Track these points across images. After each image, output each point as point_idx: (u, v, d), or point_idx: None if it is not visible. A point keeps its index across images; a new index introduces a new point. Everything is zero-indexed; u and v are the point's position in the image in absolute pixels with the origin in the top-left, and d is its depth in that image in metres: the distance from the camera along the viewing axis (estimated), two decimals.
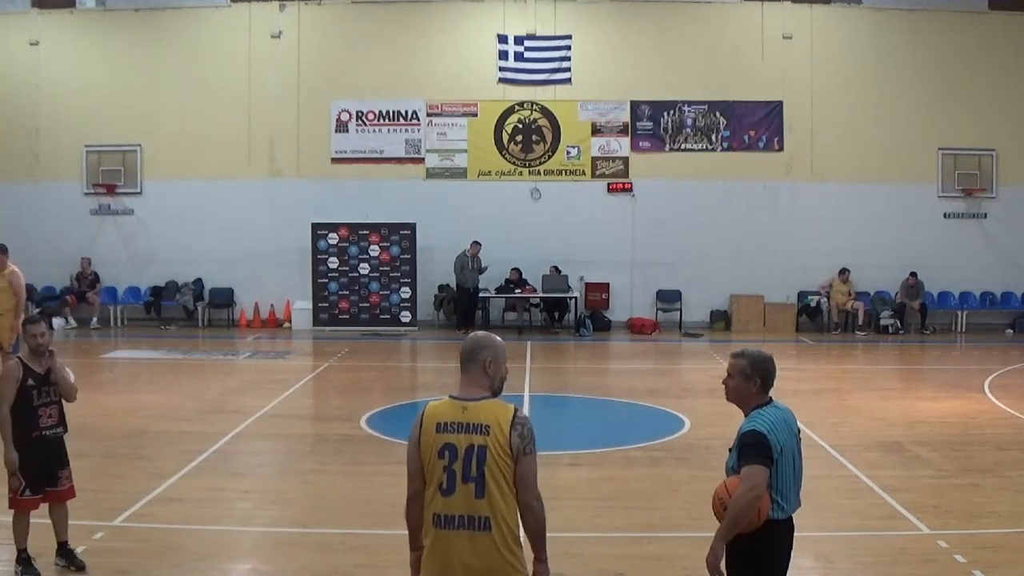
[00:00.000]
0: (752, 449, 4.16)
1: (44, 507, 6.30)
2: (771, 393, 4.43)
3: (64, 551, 6.32)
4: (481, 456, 3.80)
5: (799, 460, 4.37)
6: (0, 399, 6.14)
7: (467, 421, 3.85)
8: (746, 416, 4.35)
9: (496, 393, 3.98)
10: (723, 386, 4.47)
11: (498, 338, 4.08)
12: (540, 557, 3.97)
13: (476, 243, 20.21)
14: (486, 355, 3.97)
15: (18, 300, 11.50)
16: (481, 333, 4.11)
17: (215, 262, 21.35)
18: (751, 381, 4.34)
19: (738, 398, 4.41)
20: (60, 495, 6.32)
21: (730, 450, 4.38)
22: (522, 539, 3.94)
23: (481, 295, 20.57)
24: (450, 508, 3.82)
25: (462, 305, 20.47)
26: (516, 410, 3.91)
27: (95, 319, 21.00)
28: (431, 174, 21.52)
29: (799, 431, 4.45)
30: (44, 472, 6.19)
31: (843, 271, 20.72)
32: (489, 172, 21.52)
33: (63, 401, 6.34)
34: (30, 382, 6.14)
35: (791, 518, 4.33)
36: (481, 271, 20.26)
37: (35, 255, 19.48)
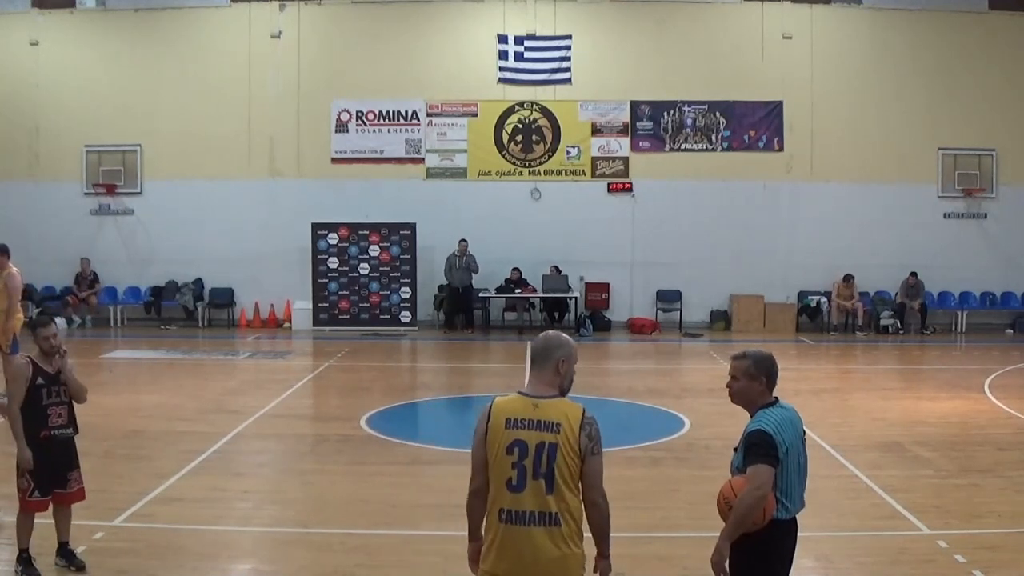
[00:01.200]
0: (758, 448, 4.16)
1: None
2: (773, 393, 4.43)
3: (64, 551, 6.32)
4: (552, 454, 3.85)
5: (804, 460, 4.37)
6: (10, 398, 6.15)
7: (538, 418, 3.89)
8: (752, 417, 4.35)
9: (564, 393, 4.03)
10: (727, 389, 4.46)
11: (571, 339, 4.12)
12: (603, 553, 4.08)
13: (462, 241, 20.28)
14: (560, 354, 4.02)
15: (11, 302, 11.41)
16: (553, 332, 4.14)
17: (215, 262, 21.36)
18: (756, 380, 4.34)
19: (744, 399, 4.40)
20: (68, 497, 6.31)
21: (735, 450, 4.38)
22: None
23: (481, 295, 20.59)
24: (520, 504, 3.86)
25: (451, 305, 20.54)
26: (585, 410, 3.97)
27: (88, 319, 21.03)
28: (431, 174, 21.53)
29: (804, 432, 4.45)
30: (53, 473, 6.19)
31: (847, 277, 20.66)
32: (489, 172, 21.53)
33: (73, 402, 6.33)
34: (40, 381, 6.13)
35: (795, 519, 4.33)
36: (472, 270, 20.27)
37: (35, 255, 19.52)
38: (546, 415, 3.89)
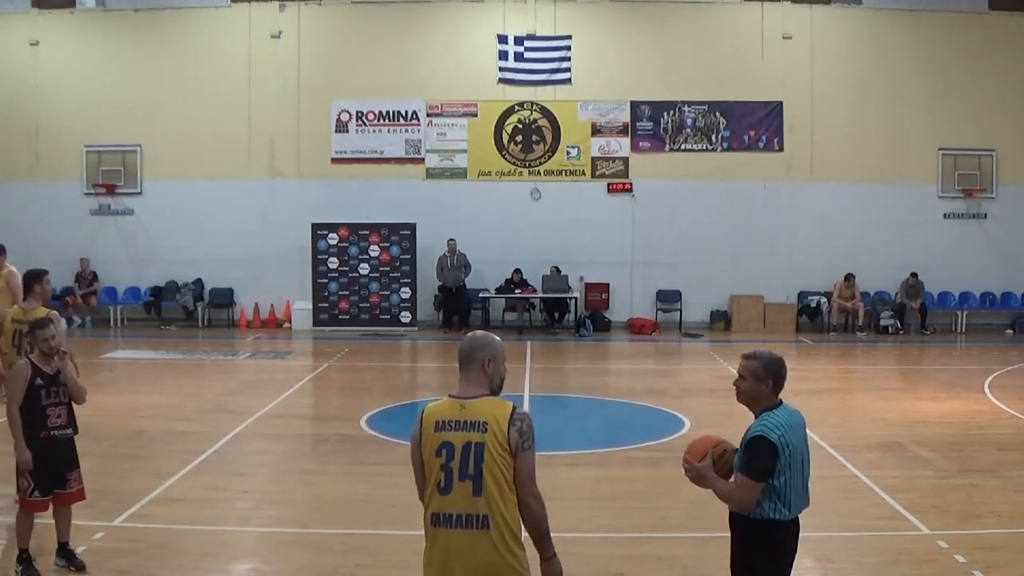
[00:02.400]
0: (755, 460, 4.16)
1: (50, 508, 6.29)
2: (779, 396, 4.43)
3: (65, 551, 6.31)
4: (479, 453, 3.77)
5: (807, 460, 4.37)
6: (9, 398, 6.15)
7: (465, 419, 3.82)
8: (756, 417, 4.34)
9: (495, 392, 3.96)
10: (734, 387, 4.45)
11: (496, 338, 4.05)
12: (545, 556, 3.91)
13: (451, 240, 20.36)
14: (484, 354, 3.94)
15: (15, 302, 11.42)
16: (479, 332, 4.08)
17: (215, 262, 21.35)
18: (763, 383, 4.32)
19: (750, 400, 4.39)
20: (68, 497, 6.30)
21: (736, 450, 4.38)
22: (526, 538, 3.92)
23: (481, 295, 20.59)
24: (448, 506, 3.80)
25: (447, 305, 20.57)
26: (515, 407, 3.88)
27: (88, 319, 21.03)
28: (431, 174, 21.53)
29: (806, 434, 4.45)
30: (53, 474, 6.18)
31: (848, 276, 20.66)
32: (489, 172, 21.53)
33: (73, 403, 6.33)
34: (38, 381, 6.13)
35: (797, 519, 4.33)
36: (465, 269, 20.24)
37: (35, 255, 19.40)
38: (473, 415, 3.82)
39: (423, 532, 3.94)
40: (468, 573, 3.76)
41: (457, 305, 20.62)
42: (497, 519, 3.77)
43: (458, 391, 3.94)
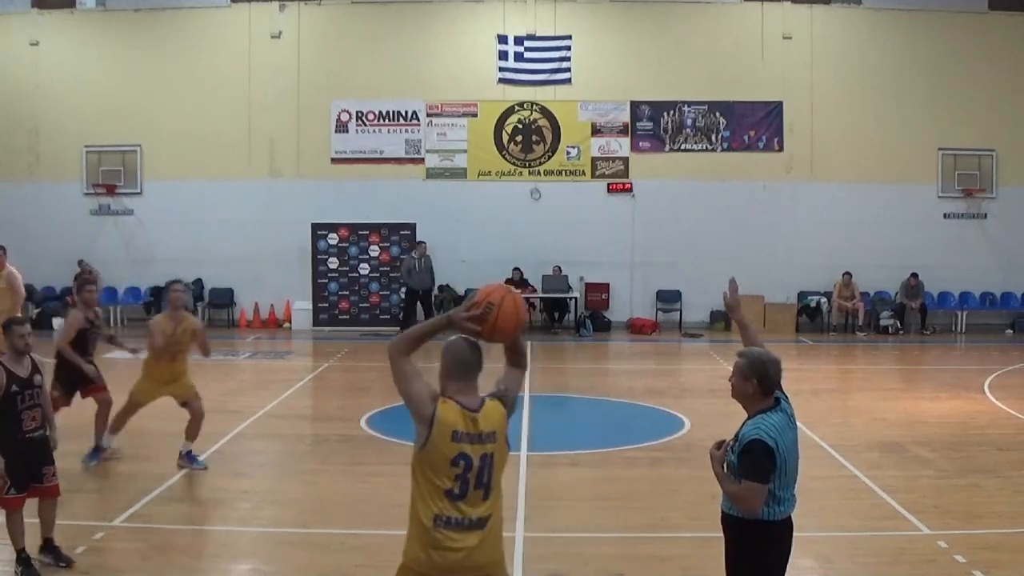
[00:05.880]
0: (755, 464, 4.16)
1: (36, 507, 6.28)
2: (775, 394, 4.41)
3: (50, 547, 6.31)
4: (492, 462, 3.97)
5: (798, 460, 4.38)
6: None
7: (479, 431, 3.96)
8: (749, 417, 4.35)
9: None
10: (730, 384, 4.50)
11: None
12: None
13: (420, 243, 20.15)
14: (482, 362, 4.17)
15: (17, 300, 11.45)
16: (467, 339, 4.24)
17: (215, 262, 21.35)
18: (748, 381, 4.36)
19: (739, 397, 4.44)
20: (46, 491, 6.30)
21: (731, 449, 4.38)
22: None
23: None
24: (459, 511, 3.90)
25: (412, 307, 20.01)
26: (501, 400, 4.09)
27: None
28: (431, 174, 21.53)
29: (797, 433, 4.46)
30: (29, 471, 6.17)
31: (846, 274, 20.67)
32: (489, 172, 21.53)
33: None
34: (14, 388, 6.08)
35: (790, 517, 4.34)
36: (430, 272, 19.93)
37: (35, 255, 19.48)
38: (486, 425, 3.98)
39: (407, 528, 3.98)
40: (475, 571, 3.90)
41: (427, 309, 20.10)
42: (495, 517, 3.98)
43: (467, 401, 4.04)
